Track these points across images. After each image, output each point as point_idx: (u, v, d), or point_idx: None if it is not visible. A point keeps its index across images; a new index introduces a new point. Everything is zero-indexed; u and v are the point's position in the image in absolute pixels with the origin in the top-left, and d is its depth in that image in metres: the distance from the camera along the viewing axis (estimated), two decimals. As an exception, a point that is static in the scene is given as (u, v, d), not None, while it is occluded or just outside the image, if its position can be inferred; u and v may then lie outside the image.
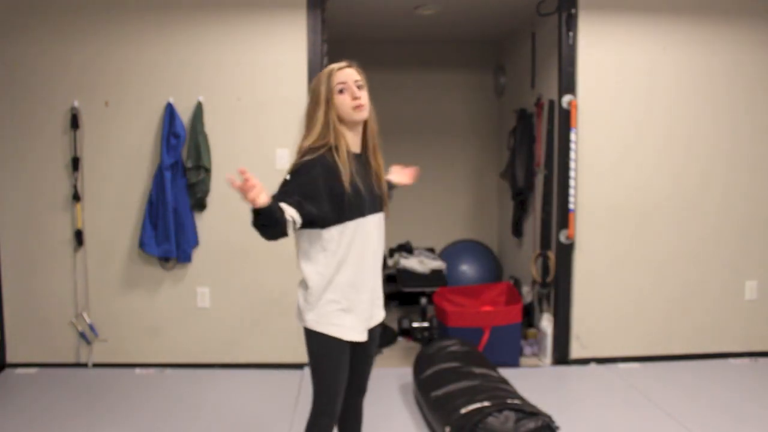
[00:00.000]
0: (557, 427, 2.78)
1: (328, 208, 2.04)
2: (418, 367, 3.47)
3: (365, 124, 2.17)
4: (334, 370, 2.16)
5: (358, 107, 2.09)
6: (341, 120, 2.11)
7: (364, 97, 2.11)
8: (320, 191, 2.02)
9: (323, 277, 2.11)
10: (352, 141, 2.15)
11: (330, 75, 2.11)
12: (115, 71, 3.87)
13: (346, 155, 2.07)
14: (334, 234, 2.08)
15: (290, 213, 1.93)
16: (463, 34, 5.64)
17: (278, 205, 1.89)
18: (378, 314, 2.29)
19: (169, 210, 3.80)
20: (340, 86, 2.09)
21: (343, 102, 2.09)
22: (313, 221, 2.04)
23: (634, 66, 4.02)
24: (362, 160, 2.17)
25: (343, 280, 2.12)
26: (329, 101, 2.10)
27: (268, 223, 1.87)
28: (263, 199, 1.82)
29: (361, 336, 2.18)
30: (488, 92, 6.00)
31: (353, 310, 2.15)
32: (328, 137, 2.08)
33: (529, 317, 4.63)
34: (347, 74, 2.11)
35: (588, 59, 3.99)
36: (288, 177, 2.03)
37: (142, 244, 3.85)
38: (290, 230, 1.96)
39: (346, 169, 2.04)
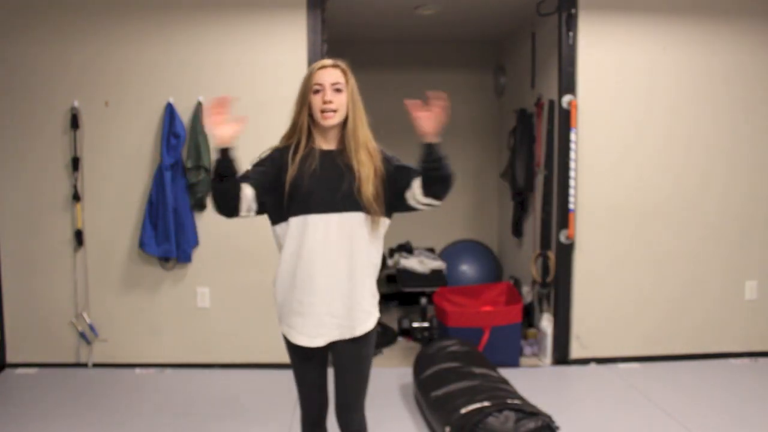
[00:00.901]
0: (557, 427, 2.78)
1: (272, 200, 2.08)
2: (418, 367, 3.47)
3: (345, 123, 2.09)
4: (296, 370, 2.22)
5: (324, 113, 2.05)
6: (314, 120, 2.09)
7: (337, 101, 2.05)
8: (266, 182, 2.06)
9: (277, 274, 2.15)
10: (325, 139, 2.12)
11: (310, 74, 2.09)
12: (115, 71, 3.87)
13: (308, 152, 2.07)
14: (280, 228, 2.11)
15: (246, 188, 2.00)
16: (463, 34, 5.64)
17: (236, 162, 1.97)
18: (355, 326, 2.11)
19: (169, 210, 3.80)
20: (316, 87, 2.06)
21: (315, 104, 2.06)
22: (265, 210, 2.10)
23: (634, 66, 4.02)
24: (332, 157, 2.10)
25: (286, 278, 2.11)
26: (304, 101, 2.09)
27: (225, 173, 1.95)
28: (229, 133, 1.95)
29: (313, 341, 2.09)
30: (488, 92, 6.00)
31: (302, 312, 2.08)
32: (294, 135, 2.11)
33: (529, 317, 4.63)
34: (327, 75, 2.06)
35: (588, 59, 3.99)
36: (255, 161, 2.13)
37: (142, 244, 3.85)
38: (244, 208, 2.02)
39: (293, 167, 2.05)
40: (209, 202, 3.85)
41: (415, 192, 2.08)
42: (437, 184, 2.05)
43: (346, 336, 2.12)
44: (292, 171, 2.05)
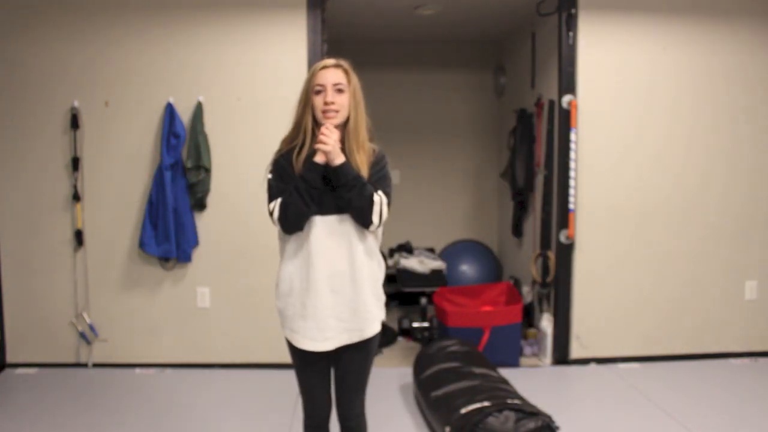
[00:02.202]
0: (557, 427, 2.78)
1: None
2: (418, 367, 3.47)
3: (346, 123, 2.08)
4: (299, 375, 2.20)
5: (326, 113, 2.03)
6: (317, 120, 2.08)
7: (339, 102, 2.03)
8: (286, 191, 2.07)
9: (279, 277, 2.15)
10: None
11: (312, 75, 2.07)
12: (115, 71, 3.86)
13: (311, 153, 2.04)
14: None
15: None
16: (463, 34, 5.64)
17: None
18: (364, 328, 2.11)
19: (169, 210, 3.80)
20: (317, 87, 2.05)
21: (317, 105, 2.05)
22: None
23: (634, 66, 4.02)
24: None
25: (288, 280, 2.11)
26: (306, 101, 2.08)
27: (340, 184, 2.00)
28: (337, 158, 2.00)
29: (318, 345, 2.08)
30: (488, 92, 6.00)
31: (305, 315, 2.07)
32: (297, 138, 2.09)
33: (529, 317, 4.63)
34: (329, 75, 2.05)
35: (588, 59, 3.99)
36: (270, 176, 2.12)
37: (142, 244, 3.85)
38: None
39: (298, 170, 2.04)
40: (208, 202, 3.88)
41: None
42: (351, 213, 2.06)
43: (354, 339, 2.11)
44: (298, 174, 2.04)
